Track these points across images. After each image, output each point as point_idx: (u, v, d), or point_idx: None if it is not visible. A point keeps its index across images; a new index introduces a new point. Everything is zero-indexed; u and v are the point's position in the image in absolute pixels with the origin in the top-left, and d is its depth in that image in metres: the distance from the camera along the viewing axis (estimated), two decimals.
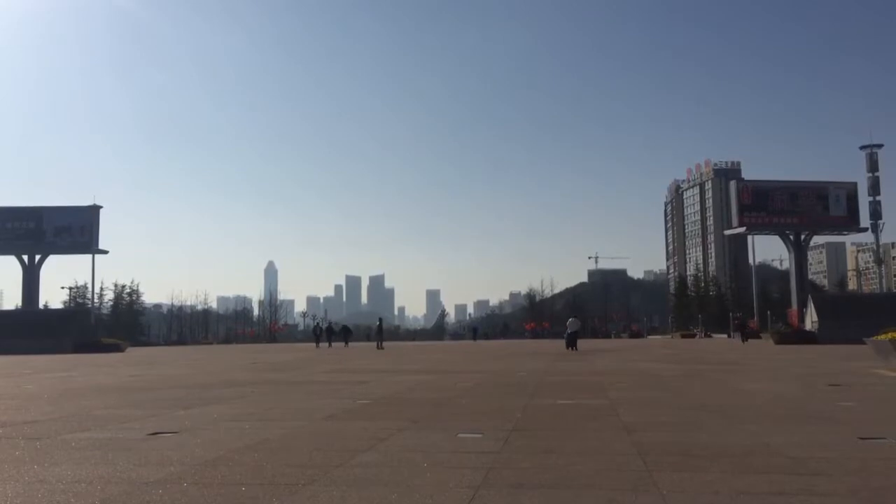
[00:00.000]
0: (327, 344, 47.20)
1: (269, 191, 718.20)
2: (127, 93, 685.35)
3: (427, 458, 5.23)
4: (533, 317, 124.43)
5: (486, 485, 4.35)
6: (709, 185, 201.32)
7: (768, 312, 72.70)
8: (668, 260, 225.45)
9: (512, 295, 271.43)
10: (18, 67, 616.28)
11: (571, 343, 31.28)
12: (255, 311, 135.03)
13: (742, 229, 69.72)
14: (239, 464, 5.14)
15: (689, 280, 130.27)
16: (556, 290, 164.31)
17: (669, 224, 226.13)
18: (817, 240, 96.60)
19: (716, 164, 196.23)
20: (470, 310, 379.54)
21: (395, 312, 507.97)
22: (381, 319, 44.89)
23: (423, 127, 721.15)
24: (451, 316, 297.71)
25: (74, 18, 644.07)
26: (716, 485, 4.31)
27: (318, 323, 66.21)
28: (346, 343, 47.61)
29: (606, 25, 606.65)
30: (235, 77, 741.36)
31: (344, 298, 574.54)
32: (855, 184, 68.78)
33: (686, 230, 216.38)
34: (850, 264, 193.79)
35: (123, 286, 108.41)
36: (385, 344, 41.17)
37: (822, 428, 6.85)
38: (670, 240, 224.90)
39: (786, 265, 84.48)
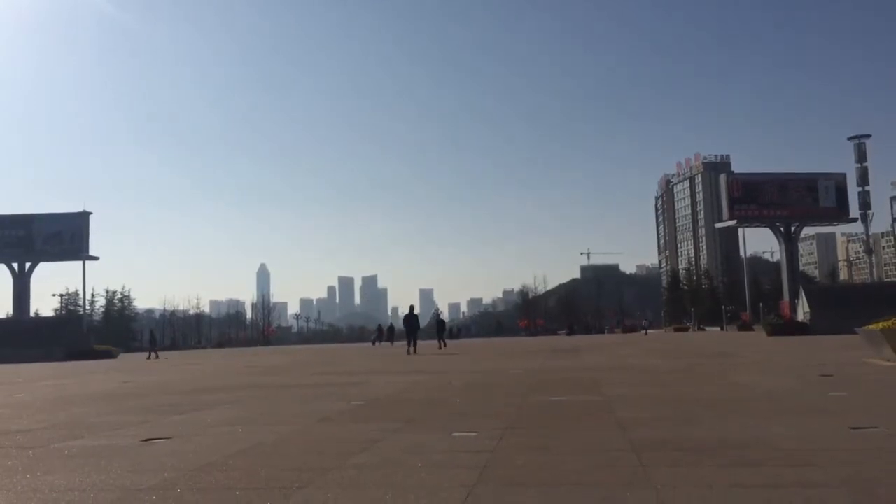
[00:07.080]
0: None
1: (260, 193, 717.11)
2: (117, 97, 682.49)
3: (422, 459, 5.23)
4: (527, 314, 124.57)
5: (480, 483, 4.35)
6: (699, 179, 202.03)
7: (760, 304, 73.07)
8: (660, 254, 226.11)
9: (505, 292, 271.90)
10: (8, 74, 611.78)
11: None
12: (248, 315, 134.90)
13: (733, 222, 70.09)
14: (233, 468, 5.13)
15: (682, 274, 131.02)
16: (550, 287, 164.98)
17: (661, 218, 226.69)
18: (808, 231, 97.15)
19: (705, 158, 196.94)
20: (463, 308, 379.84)
21: (389, 313, 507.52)
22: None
23: (413, 126, 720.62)
24: (445, 315, 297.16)
25: (64, 25, 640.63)
26: (709, 478, 4.33)
27: None
28: None
29: (596, 22, 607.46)
30: (226, 80, 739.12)
31: (337, 300, 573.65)
32: (844, 175, 69.18)
33: (677, 224, 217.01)
34: (841, 255, 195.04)
35: (114, 292, 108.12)
36: (381, 346, 40.69)
37: (814, 419, 6.89)
38: (662, 234, 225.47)
39: (777, 257, 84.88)
